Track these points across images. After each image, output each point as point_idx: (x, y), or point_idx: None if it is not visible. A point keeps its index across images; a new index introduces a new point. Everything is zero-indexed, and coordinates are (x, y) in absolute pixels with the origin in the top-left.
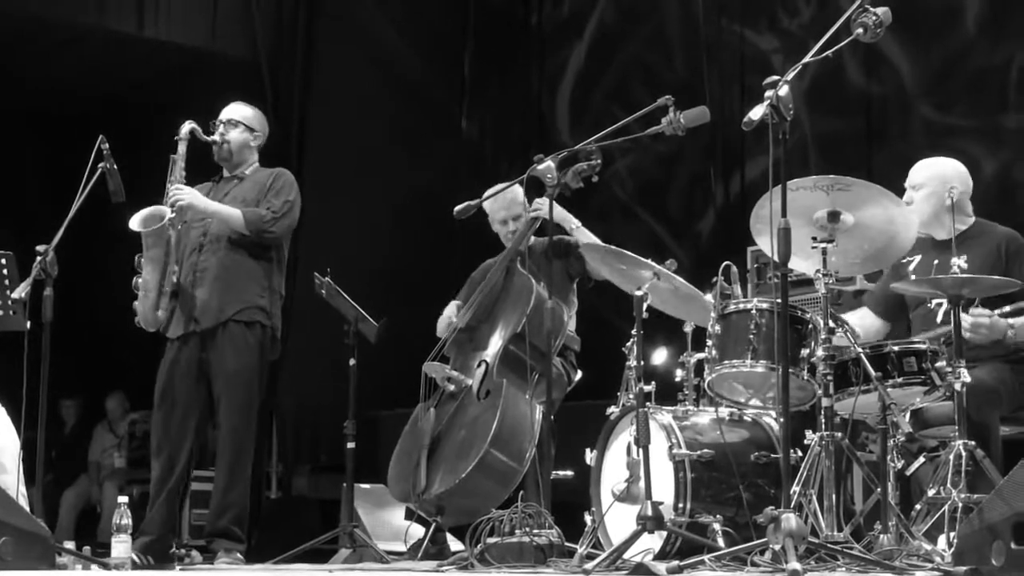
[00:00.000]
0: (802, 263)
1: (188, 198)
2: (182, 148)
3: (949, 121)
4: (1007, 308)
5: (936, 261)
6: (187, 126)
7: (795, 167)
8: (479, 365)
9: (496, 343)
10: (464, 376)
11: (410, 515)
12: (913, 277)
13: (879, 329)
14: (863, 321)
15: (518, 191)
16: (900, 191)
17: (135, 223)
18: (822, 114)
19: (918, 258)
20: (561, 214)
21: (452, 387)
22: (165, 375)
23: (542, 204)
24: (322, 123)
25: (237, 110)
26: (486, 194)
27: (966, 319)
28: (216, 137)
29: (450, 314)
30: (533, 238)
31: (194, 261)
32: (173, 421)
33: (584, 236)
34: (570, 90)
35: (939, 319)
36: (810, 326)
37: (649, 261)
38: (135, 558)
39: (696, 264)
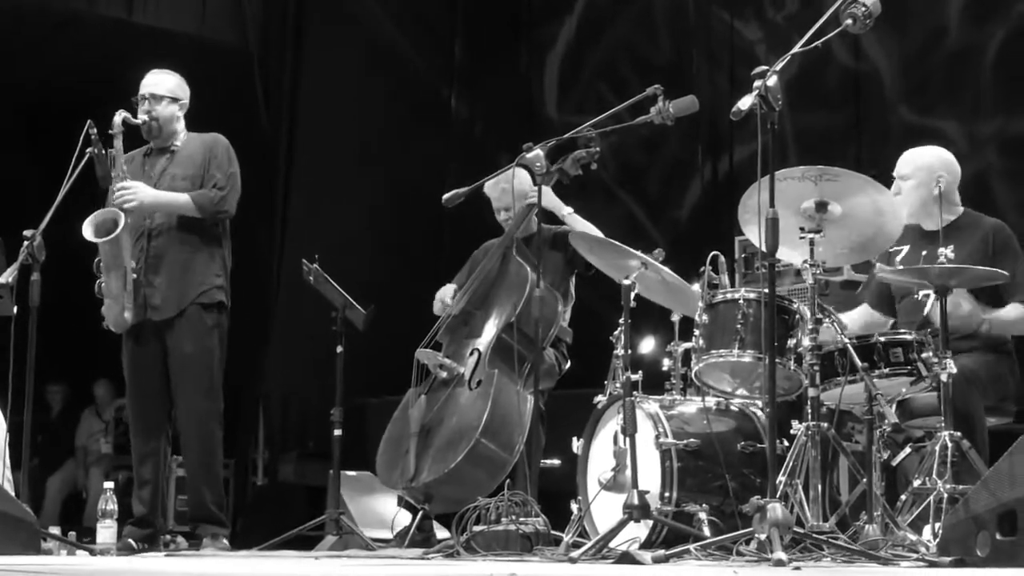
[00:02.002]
0: (790, 253)
1: (136, 198)
2: (119, 143)
3: (927, 113)
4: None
5: (924, 252)
6: (119, 116)
7: (774, 159)
8: (472, 353)
9: (490, 331)
10: (457, 364)
11: (398, 502)
12: (900, 267)
13: (882, 324)
14: (867, 318)
15: (514, 180)
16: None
17: (88, 233)
18: (802, 106)
19: (906, 248)
20: (553, 202)
21: (444, 374)
22: (131, 371)
23: (535, 193)
24: (312, 109)
25: (160, 82)
26: (482, 183)
27: (949, 300)
28: (144, 117)
29: (443, 295)
30: (535, 222)
31: (143, 246)
32: (145, 410)
33: (576, 222)
34: (558, 65)
35: (926, 311)
36: (797, 316)
37: (638, 252)
38: (133, 545)
39: (673, 248)
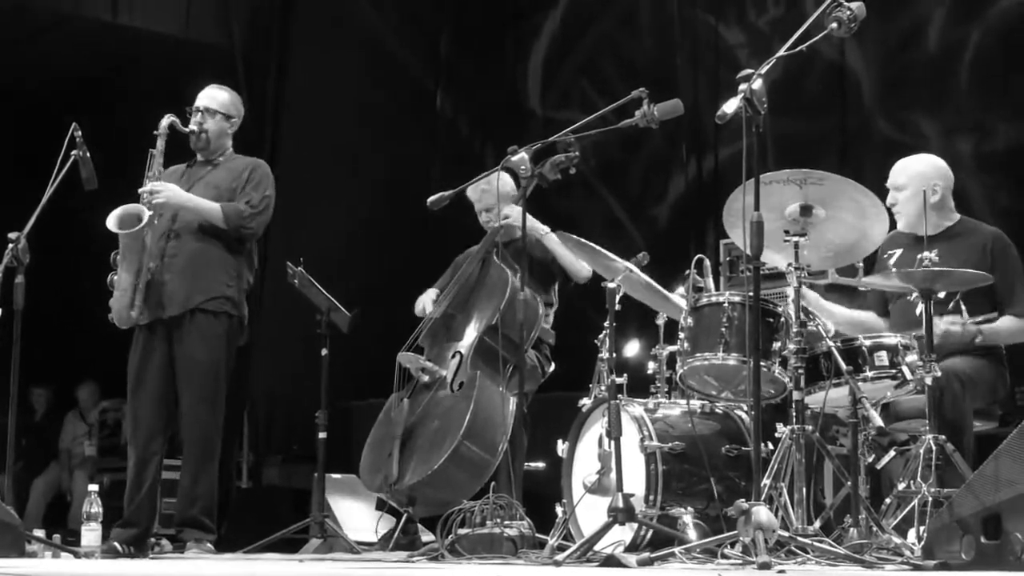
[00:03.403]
0: (774, 256)
1: (165, 197)
2: (161, 143)
3: (906, 119)
4: (979, 318)
5: (919, 256)
6: (166, 120)
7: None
8: (453, 356)
9: (471, 334)
10: (438, 367)
11: (381, 505)
12: (894, 271)
13: (884, 329)
14: (875, 325)
15: (495, 181)
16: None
17: (112, 223)
18: (782, 109)
19: (899, 252)
20: (530, 222)
21: (426, 377)
22: (136, 365)
23: (512, 212)
24: (297, 109)
25: (214, 96)
26: (467, 186)
27: (938, 325)
28: (193, 127)
29: (427, 299)
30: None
31: (163, 247)
32: (147, 412)
33: (552, 243)
34: (542, 58)
35: (918, 311)
36: (782, 319)
37: (622, 261)
38: (118, 548)
39: (654, 246)
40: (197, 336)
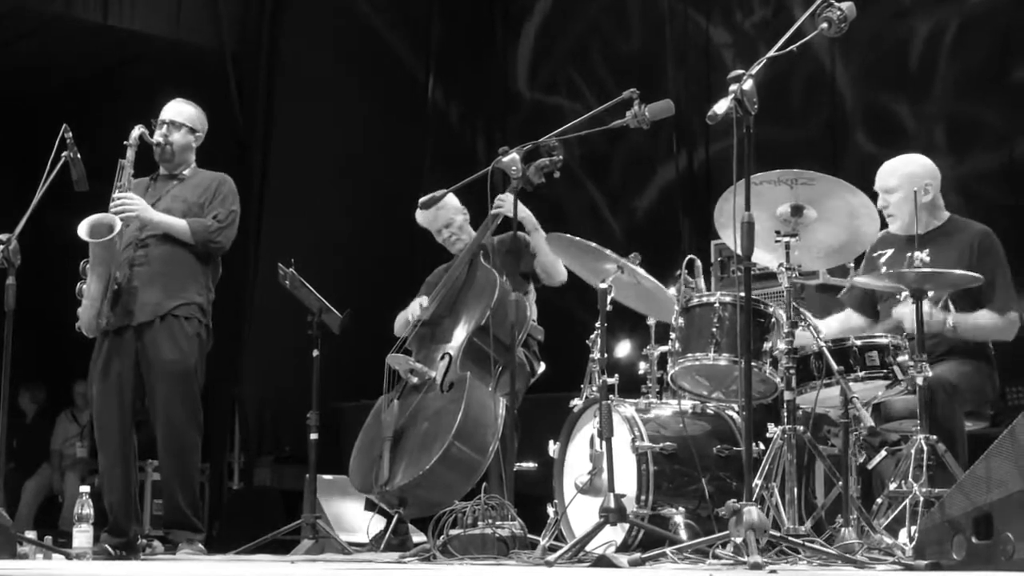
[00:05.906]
0: (765, 257)
1: (136, 210)
2: (131, 154)
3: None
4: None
5: (909, 255)
6: (137, 131)
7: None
8: (442, 357)
9: (460, 336)
10: (427, 368)
11: (371, 507)
12: (885, 271)
13: (863, 327)
14: (849, 322)
15: (445, 200)
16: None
17: (83, 232)
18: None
19: (890, 252)
20: (523, 214)
21: (415, 379)
22: (102, 375)
23: (505, 200)
24: (288, 108)
25: (180, 110)
26: (458, 187)
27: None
28: (159, 139)
29: (408, 314)
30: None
31: (131, 256)
32: (114, 416)
33: (540, 239)
34: (532, 39)
35: (894, 312)
36: (773, 320)
37: (618, 256)
38: (110, 549)
39: (629, 239)
40: (168, 338)
